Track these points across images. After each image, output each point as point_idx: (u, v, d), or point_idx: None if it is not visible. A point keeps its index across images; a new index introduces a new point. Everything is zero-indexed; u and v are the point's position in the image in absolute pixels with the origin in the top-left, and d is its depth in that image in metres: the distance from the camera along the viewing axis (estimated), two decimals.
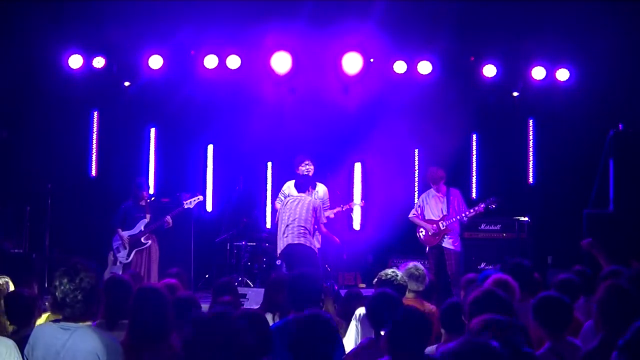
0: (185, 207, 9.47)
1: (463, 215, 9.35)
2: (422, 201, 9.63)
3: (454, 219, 9.32)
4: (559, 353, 4.04)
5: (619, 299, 3.95)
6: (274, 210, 9.72)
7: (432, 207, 9.48)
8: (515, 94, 10.92)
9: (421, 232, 9.54)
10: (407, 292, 5.63)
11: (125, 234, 9.33)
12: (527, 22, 10.29)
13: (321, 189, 9.31)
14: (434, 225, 9.39)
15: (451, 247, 9.33)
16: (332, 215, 9.27)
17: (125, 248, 9.32)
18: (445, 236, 9.34)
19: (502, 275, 4.98)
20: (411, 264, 5.83)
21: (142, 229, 9.32)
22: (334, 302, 6.73)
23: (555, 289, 5.06)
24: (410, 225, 9.88)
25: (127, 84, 10.92)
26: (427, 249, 9.52)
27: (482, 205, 9.30)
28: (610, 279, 4.89)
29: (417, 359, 3.71)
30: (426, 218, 9.51)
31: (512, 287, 4.78)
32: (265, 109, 10.87)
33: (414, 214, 9.65)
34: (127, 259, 9.29)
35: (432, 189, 9.58)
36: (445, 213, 9.37)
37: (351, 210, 10.01)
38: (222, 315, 3.26)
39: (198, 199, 9.57)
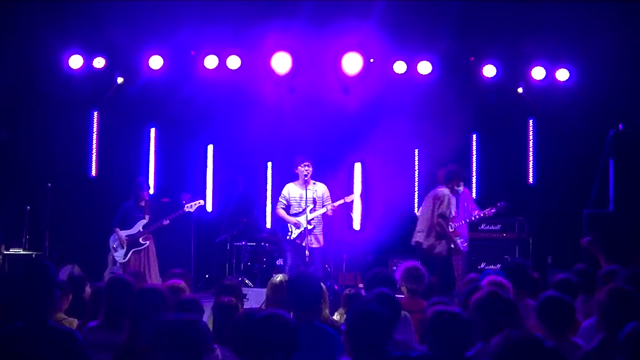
0: (186, 210, 9.46)
1: (473, 217, 9.27)
2: None
3: (463, 222, 9.19)
4: (563, 353, 4.03)
5: (620, 301, 3.96)
6: (275, 214, 9.72)
7: None
8: (519, 90, 10.89)
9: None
10: (405, 291, 5.65)
11: (124, 233, 9.33)
12: (527, 22, 10.28)
13: (320, 187, 9.33)
14: None
15: (459, 247, 9.17)
16: (330, 213, 9.25)
17: (122, 247, 9.32)
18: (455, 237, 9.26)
19: (497, 277, 4.99)
20: (409, 264, 5.85)
21: (141, 229, 9.33)
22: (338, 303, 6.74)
23: (554, 289, 5.07)
24: (410, 225, 9.84)
25: (120, 80, 10.87)
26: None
27: (493, 210, 9.15)
28: (608, 279, 4.90)
29: (378, 357, 3.67)
30: None
31: (507, 288, 4.79)
32: (265, 109, 10.87)
33: None
34: (123, 259, 9.30)
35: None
36: (454, 214, 9.25)
37: (351, 204, 9.90)
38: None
39: (199, 203, 9.55)
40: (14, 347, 3.39)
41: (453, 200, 8.86)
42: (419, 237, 8.78)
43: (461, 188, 9.07)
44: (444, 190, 8.72)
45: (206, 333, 3.51)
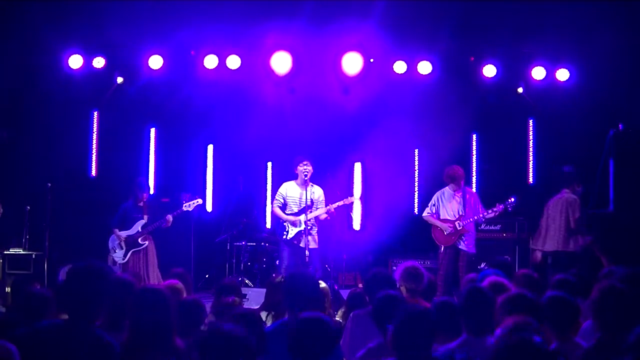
0: (184, 209, 9.44)
1: (481, 215, 9.15)
2: (437, 200, 9.34)
3: (470, 220, 9.09)
4: (565, 353, 4.04)
5: (613, 299, 3.96)
6: (273, 214, 9.69)
7: (447, 207, 9.23)
8: (520, 90, 10.89)
9: (436, 231, 9.29)
10: (405, 291, 5.65)
11: (123, 234, 9.32)
12: (527, 22, 10.28)
13: (317, 190, 9.29)
14: (450, 225, 9.17)
15: (466, 248, 9.11)
16: (322, 217, 9.21)
17: (121, 248, 9.31)
18: (462, 237, 9.13)
19: (498, 278, 4.99)
20: (409, 264, 5.85)
21: (140, 229, 9.31)
22: (333, 303, 6.75)
23: (552, 289, 5.05)
24: (410, 225, 9.84)
25: (120, 80, 10.88)
26: (442, 249, 9.25)
27: (501, 207, 9.06)
28: (605, 279, 4.90)
29: (423, 358, 3.68)
30: (441, 217, 9.25)
31: (508, 289, 4.79)
32: (265, 109, 10.87)
33: (428, 213, 9.37)
34: (123, 259, 9.28)
35: (447, 187, 9.31)
36: (461, 213, 9.14)
37: (351, 205, 9.80)
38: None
39: (197, 202, 9.53)
40: (47, 342, 3.50)
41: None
42: (561, 245, 8.69)
43: (580, 188, 8.98)
44: (571, 195, 8.69)
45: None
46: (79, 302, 3.61)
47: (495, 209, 9.14)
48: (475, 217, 9.16)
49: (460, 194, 9.24)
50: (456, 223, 9.15)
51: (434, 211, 9.36)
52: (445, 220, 9.23)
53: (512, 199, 9.10)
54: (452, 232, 9.15)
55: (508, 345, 2.71)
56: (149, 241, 9.41)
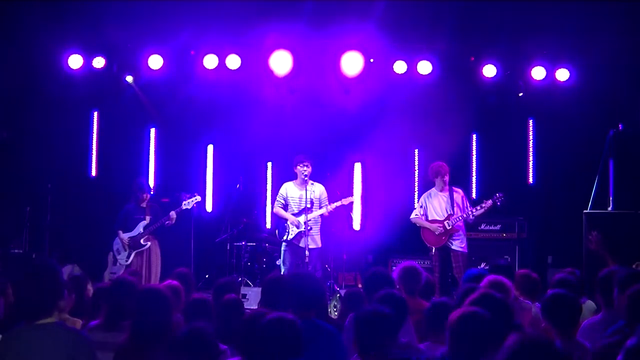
0: (184, 207, 9.44)
1: (470, 213, 9.02)
2: (424, 201, 9.22)
3: (459, 218, 8.98)
4: (567, 352, 4.03)
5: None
6: (274, 214, 9.69)
7: (435, 207, 9.11)
8: (520, 94, 10.89)
9: (426, 232, 9.17)
10: (404, 291, 5.66)
11: (125, 235, 9.32)
12: (527, 22, 10.26)
13: (318, 188, 9.29)
14: (439, 225, 9.05)
15: (458, 248, 8.98)
16: (326, 214, 9.21)
17: (125, 250, 9.31)
18: (452, 236, 9.01)
19: (497, 276, 4.98)
20: (407, 264, 5.85)
21: (142, 230, 9.31)
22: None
23: (552, 289, 5.05)
24: (410, 225, 9.82)
25: (129, 78, 10.89)
26: (433, 250, 9.13)
27: (490, 202, 8.97)
28: (608, 279, 4.89)
29: (384, 357, 3.70)
30: (429, 218, 9.13)
31: (507, 287, 4.78)
32: (265, 109, 10.88)
33: (416, 215, 9.26)
34: (127, 261, 9.28)
35: (433, 188, 9.22)
36: (449, 212, 9.03)
37: (351, 205, 9.74)
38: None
39: (196, 199, 9.54)
40: (20, 346, 3.43)
41: None
42: None
43: None
44: None
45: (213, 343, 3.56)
46: (32, 301, 3.52)
47: (483, 205, 9.03)
48: (464, 215, 9.03)
49: (447, 192, 9.15)
50: (445, 222, 9.00)
51: (422, 213, 9.22)
52: (433, 221, 9.10)
53: (498, 194, 9.04)
54: (443, 232, 9.02)
55: (522, 347, 2.68)
56: (152, 242, 9.39)
